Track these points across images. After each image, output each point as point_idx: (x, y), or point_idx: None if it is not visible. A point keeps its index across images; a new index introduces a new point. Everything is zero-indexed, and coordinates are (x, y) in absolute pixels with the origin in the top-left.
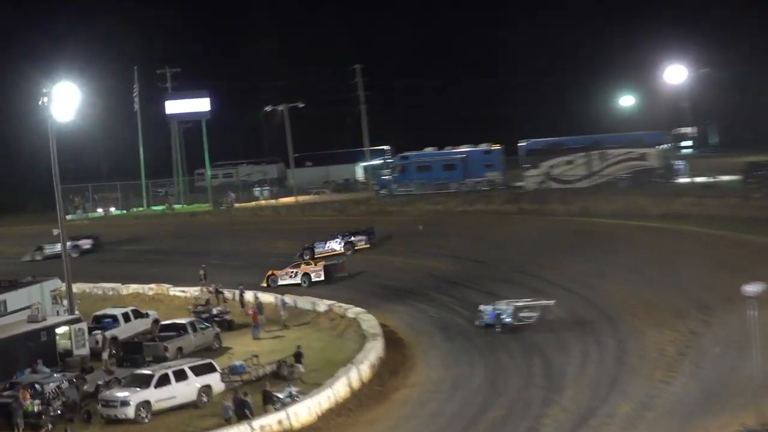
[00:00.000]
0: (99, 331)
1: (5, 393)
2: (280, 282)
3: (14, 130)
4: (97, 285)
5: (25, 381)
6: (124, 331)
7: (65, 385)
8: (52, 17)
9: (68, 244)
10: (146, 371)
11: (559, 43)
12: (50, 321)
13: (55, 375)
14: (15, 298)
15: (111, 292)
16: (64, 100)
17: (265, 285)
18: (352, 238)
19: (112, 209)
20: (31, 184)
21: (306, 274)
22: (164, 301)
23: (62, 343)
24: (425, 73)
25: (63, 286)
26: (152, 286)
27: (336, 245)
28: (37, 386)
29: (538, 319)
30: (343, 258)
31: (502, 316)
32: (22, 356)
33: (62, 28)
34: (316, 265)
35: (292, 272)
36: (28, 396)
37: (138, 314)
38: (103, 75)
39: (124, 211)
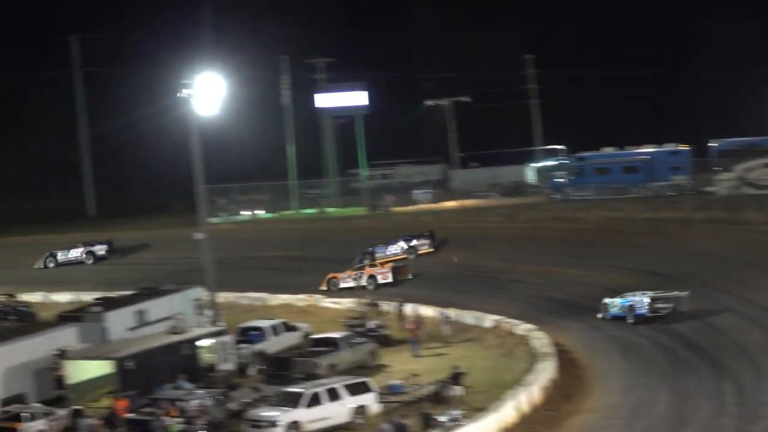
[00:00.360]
0: (245, 345)
1: (145, 410)
2: (342, 285)
3: (154, 125)
4: (243, 294)
5: (166, 397)
6: (272, 345)
7: (209, 402)
8: (195, 3)
9: (81, 250)
10: (296, 389)
11: (756, 30)
12: (193, 333)
13: (198, 391)
14: (156, 308)
15: (258, 303)
16: (208, 93)
17: (324, 289)
18: (414, 242)
19: (260, 212)
20: (173, 184)
21: (372, 276)
22: (316, 313)
23: (206, 357)
24: (604, 64)
25: (206, 295)
26: (303, 296)
27: (397, 249)
28: (178, 403)
29: (672, 311)
30: (406, 262)
31: (636, 308)
32: (163, 371)
33: (206, 15)
34: (382, 266)
35: (356, 275)
36: (176, 414)
37: (288, 327)
38: (249, 65)
39: (273, 215)
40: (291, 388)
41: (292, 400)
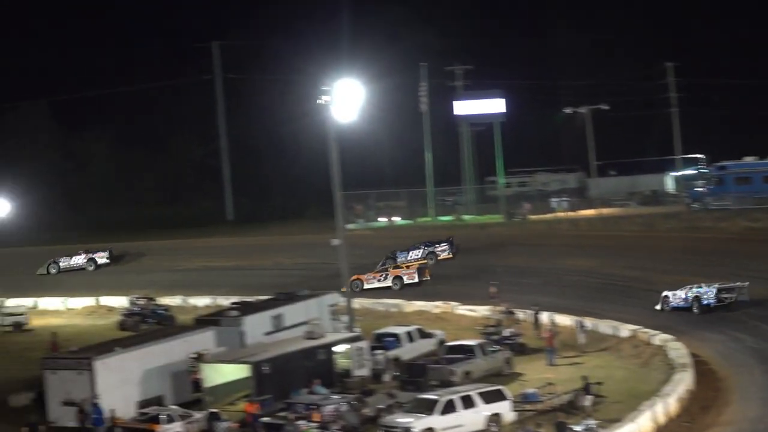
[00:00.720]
0: (381, 351)
1: (280, 414)
2: (367, 286)
3: (293, 131)
4: (378, 301)
5: (301, 402)
6: (407, 351)
7: (344, 408)
8: (333, 8)
9: (83, 257)
10: (431, 396)
11: None
12: (329, 338)
13: (333, 397)
14: (292, 313)
15: (394, 309)
16: (346, 99)
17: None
18: (435, 248)
19: (396, 219)
20: (311, 189)
21: (398, 277)
22: (451, 321)
23: (341, 363)
24: (747, 71)
25: (342, 301)
26: (438, 303)
27: (418, 254)
28: (312, 408)
29: (734, 300)
30: (427, 264)
31: (702, 298)
32: (299, 375)
33: (344, 21)
34: (407, 267)
35: (381, 276)
36: (318, 418)
37: (423, 334)
38: (388, 72)
39: (409, 221)
40: (426, 394)
41: (427, 407)
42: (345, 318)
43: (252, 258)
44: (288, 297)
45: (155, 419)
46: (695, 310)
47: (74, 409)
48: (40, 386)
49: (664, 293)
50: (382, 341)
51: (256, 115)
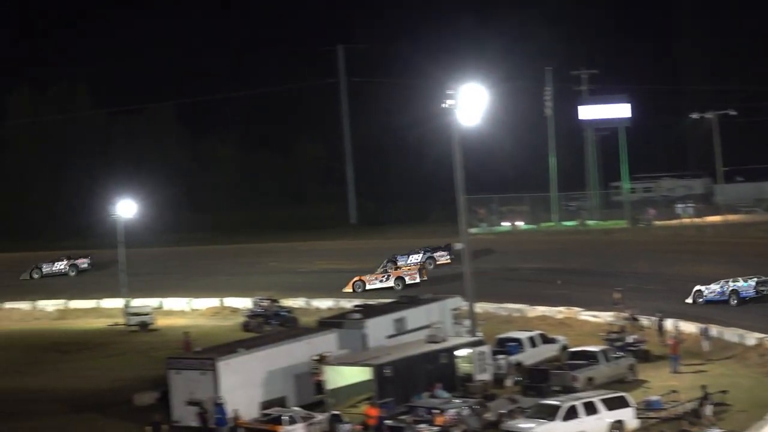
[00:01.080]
0: (503, 356)
1: (401, 417)
2: (369, 287)
3: (417, 134)
4: (501, 305)
5: (422, 405)
6: (529, 356)
7: (466, 411)
8: (457, 12)
9: (64, 263)
10: (553, 402)
11: None
12: (451, 342)
13: (454, 401)
14: (415, 316)
15: (516, 314)
16: (470, 103)
17: (350, 290)
18: (434, 254)
19: (519, 223)
20: (434, 193)
21: (400, 278)
22: (573, 326)
23: (463, 367)
24: None
25: (465, 305)
26: (561, 308)
27: (417, 258)
28: (435, 411)
29: None
30: (425, 266)
31: (740, 292)
32: (420, 379)
33: (469, 25)
34: (409, 268)
35: (383, 277)
36: (442, 421)
37: (545, 339)
38: (512, 75)
39: (532, 226)
40: (548, 400)
41: (549, 413)
42: (467, 322)
43: (375, 261)
44: (411, 300)
45: (277, 420)
46: (733, 302)
47: (196, 409)
48: (164, 386)
49: (697, 287)
50: (505, 346)
51: (380, 119)
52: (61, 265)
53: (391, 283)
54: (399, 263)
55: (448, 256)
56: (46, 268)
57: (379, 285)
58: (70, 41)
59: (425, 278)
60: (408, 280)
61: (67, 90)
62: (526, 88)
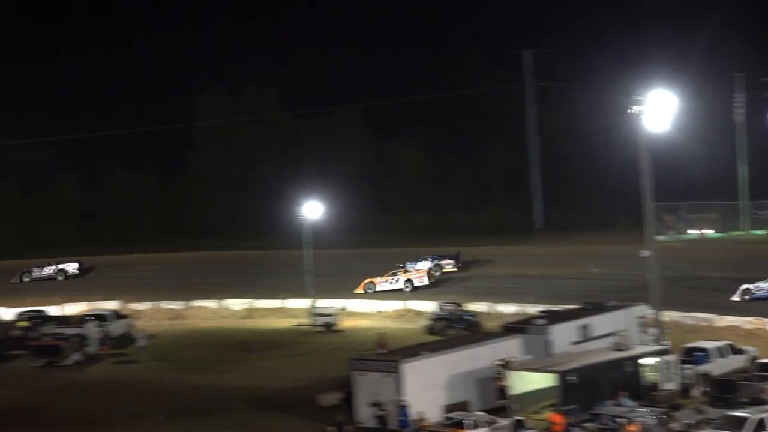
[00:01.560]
0: (690, 366)
1: (585, 425)
2: (379, 288)
3: (604, 140)
4: (688, 314)
5: (607, 413)
6: (717, 367)
7: (651, 421)
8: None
9: (53, 268)
10: (741, 413)
11: None
12: (636, 350)
13: (640, 410)
14: (600, 323)
15: (703, 323)
16: (659, 109)
17: (361, 292)
18: (441, 261)
19: (708, 231)
20: (621, 199)
21: (409, 280)
22: (763, 337)
23: (649, 376)
24: None
25: (651, 313)
26: (750, 319)
27: (425, 265)
28: (620, 420)
29: None
30: (432, 270)
31: None
32: (605, 387)
33: (658, 29)
34: (418, 272)
35: (393, 279)
36: (635, 428)
37: (734, 350)
38: (702, 82)
39: (721, 234)
40: (736, 412)
41: (737, 425)
42: (653, 330)
43: (560, 267)
44: (596, 307)
45: (460, 424)
46: None
47: (375, 410)
48: (348, 387)
49: (744, 285)
50: (692, 355)
51: (566, 124)
52: (50, 270)
53: (400, 285)
54: (408, 268)
55: (455, 264)
56: (35, 273)
57: (388, 287)
58: (260, 43)
59: (433, 280)
60: (417, 282)
61: (257, 92)
62: (716, 95)
